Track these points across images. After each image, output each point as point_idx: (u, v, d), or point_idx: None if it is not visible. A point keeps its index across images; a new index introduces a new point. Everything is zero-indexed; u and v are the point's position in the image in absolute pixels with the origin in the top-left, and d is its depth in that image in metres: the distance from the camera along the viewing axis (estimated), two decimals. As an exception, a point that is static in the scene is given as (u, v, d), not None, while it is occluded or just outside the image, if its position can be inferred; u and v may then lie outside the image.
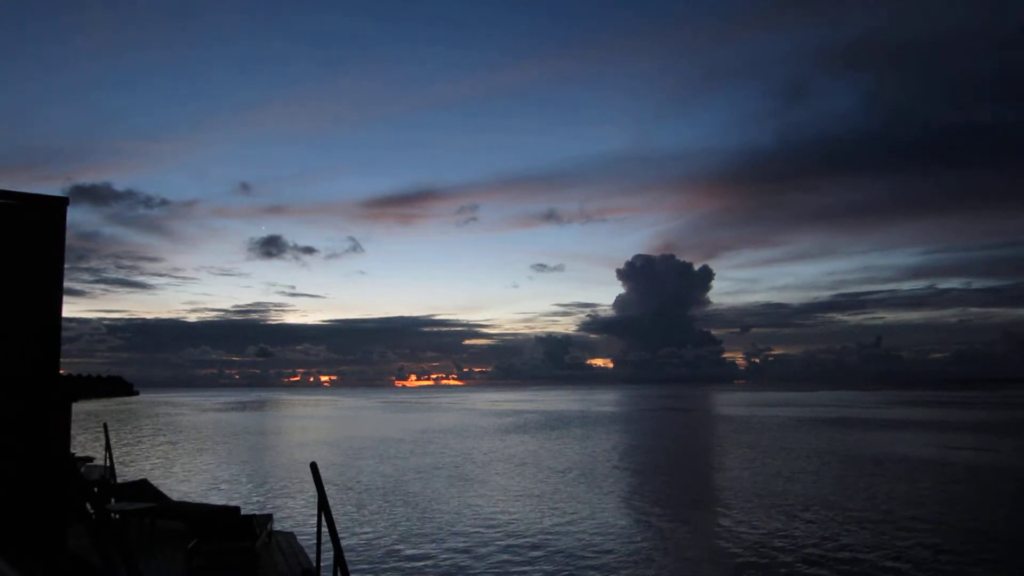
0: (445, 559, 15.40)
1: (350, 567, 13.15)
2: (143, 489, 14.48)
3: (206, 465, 33.64)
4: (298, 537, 12.73)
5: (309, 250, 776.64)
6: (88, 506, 7.32)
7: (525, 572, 14.44)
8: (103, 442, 17.69)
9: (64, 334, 6.51)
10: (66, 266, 6.61)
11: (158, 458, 37.02)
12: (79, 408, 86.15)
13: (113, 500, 13.84)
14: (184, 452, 40.38)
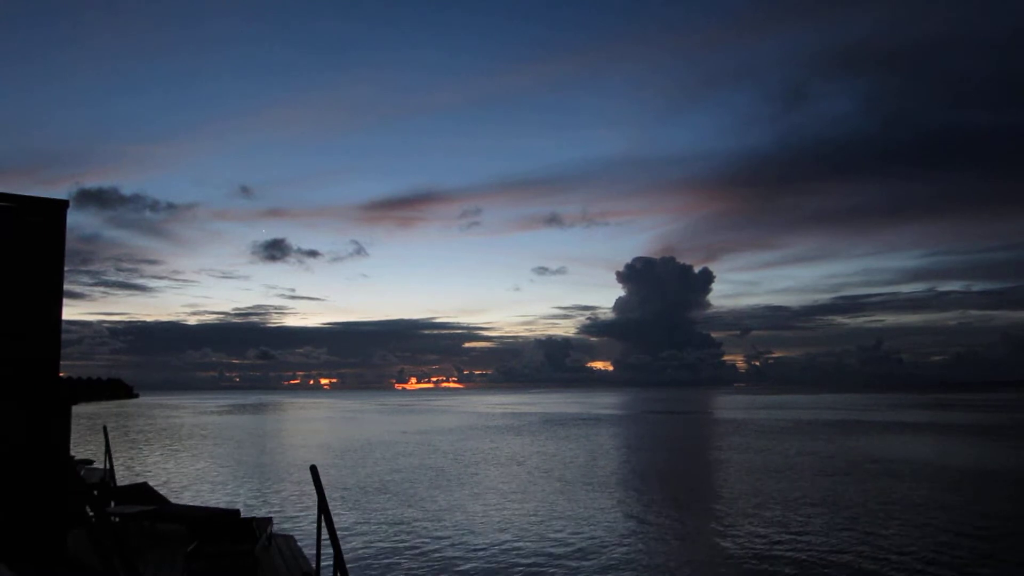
0: (446, 560, 15.38)
1: (350, 570, 13.13)
2: (143, 492, 14.47)
3: (206, 468, 33.61)
4: (298, 540, 12.70)
5: (313, 253, 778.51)
6: (88, 509, 7.32)
7: (525, 573, 14.44)
8: (103, 445, 17.67)
9: (64, 336, 6.50)
10: (66, 269, 6.61)
11: (158, 461, 36.98)
12: (79, 411, 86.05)
13: (113, 503, 13.83)
14: (184, 455, 40.34)
